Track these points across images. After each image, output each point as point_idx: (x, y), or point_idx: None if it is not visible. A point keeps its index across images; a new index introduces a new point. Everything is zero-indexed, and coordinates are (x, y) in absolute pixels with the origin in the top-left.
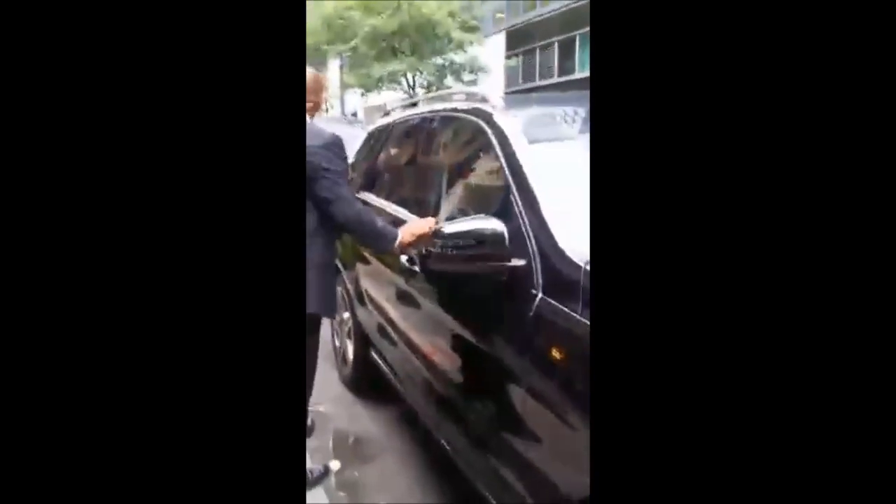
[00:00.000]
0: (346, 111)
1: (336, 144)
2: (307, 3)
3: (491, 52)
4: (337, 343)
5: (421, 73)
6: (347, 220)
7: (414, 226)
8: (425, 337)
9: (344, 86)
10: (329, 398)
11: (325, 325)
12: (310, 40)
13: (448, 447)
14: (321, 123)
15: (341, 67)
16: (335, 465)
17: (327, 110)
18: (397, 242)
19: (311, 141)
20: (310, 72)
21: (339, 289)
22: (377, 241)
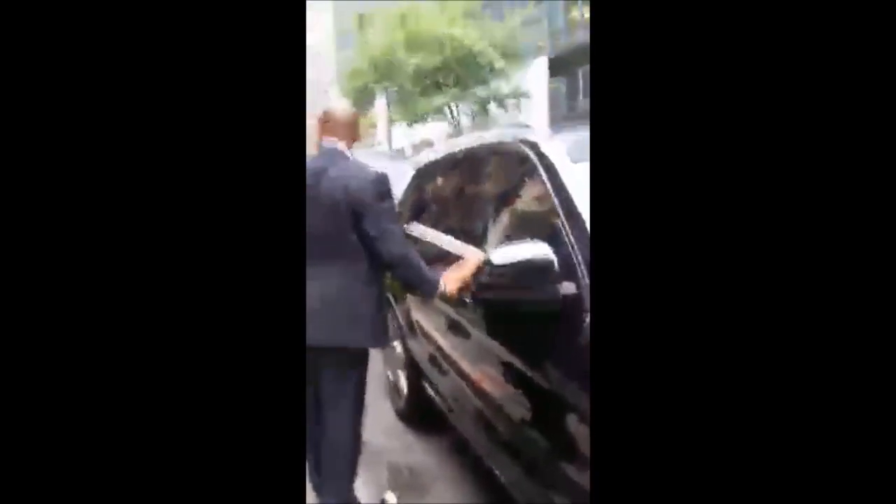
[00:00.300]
0: (392, 146)
1: (382, 181)
2: (354, 37)
3: (534, 77)
4: (389, 374)
5: (464, 103)
6: (393, 259)
7: (458, 274)
8: (476, 366)
9: (391, 122)
10: (382, 430)
11: (377, 357)
12: (358, 81)
13: (502, 477)
14: (370, 158)
15: (388, 104)
16: (391, 498)
17: (373, 146)
18: (439, 291)
19: (356, 176)
20: (346, 106)
21: (391, 320)
22: (421, 286)
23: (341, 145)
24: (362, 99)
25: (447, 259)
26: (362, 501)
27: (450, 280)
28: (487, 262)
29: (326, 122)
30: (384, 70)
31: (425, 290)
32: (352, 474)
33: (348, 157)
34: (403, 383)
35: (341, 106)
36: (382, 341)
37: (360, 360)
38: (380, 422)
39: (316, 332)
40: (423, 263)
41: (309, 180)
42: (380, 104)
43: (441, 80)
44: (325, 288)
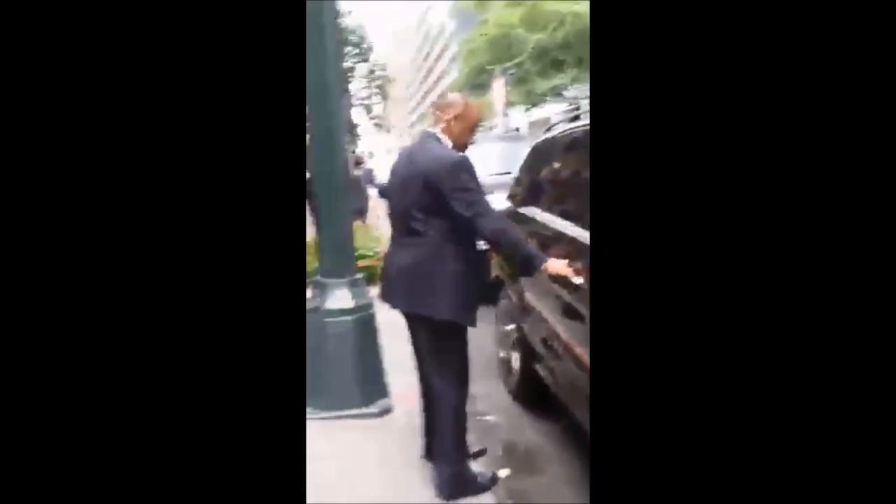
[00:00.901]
0: (509, 127)
1: (461, 165)
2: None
3: None
4: (502, 354)
5: (585, 83)
6: (492, 234)
7: (560, 265)
8: (589, 350)
9: (508, 103)
10: (496, 409)
11: (489, 336)
12: (474, 61)
13: None
14: (485, 141)
15: (506, 85)
16: (504, 473)
17: (491, 128)
18: (542, 268)
19: (440, 159)
20: (457, 97)
21: (504, 301)
22: (523, 261)
23: (438, 131)
24: (480, 80)
25: (563, 242)
26: (476, 473)
27: (553, 266)
28: None
29: (435, 110)
30: (503, 50)
31: (528, 266)
32: (459, 444)
33: (438, 141)
34: (516, 363)
35: (451, 96)
36: (459, 315)
37: (452, 333)
38: (494, 400)
39: (395, 300)
40: (523, 239)
41: (399, 161)
42: (497, 85)
43: (562, 59)
44: (405, 260)
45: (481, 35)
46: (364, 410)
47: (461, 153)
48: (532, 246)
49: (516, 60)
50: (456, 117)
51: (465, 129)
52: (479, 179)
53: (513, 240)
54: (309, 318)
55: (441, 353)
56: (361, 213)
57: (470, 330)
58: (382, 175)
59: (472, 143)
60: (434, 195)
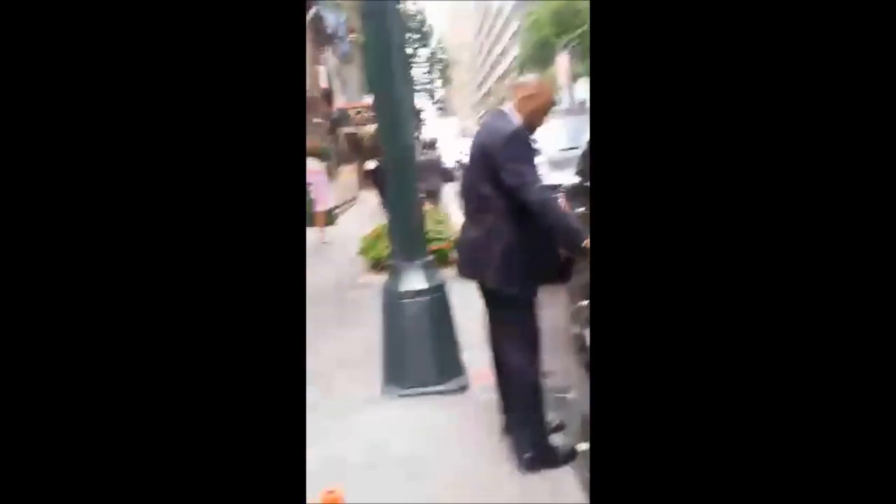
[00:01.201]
0: (574, 100)
1: (514, 139)
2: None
3: None
4: (575, 331)
5: None
6: (533, 204)
7: None
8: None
9: (573, 76)
10: (574, 384)
11: (562, 312)
12: (538, 35)
13: None
14: (553, 116)
15: (570, 58)
16: (583, 446)
17: (556, 103)
18: (584, 244)
19: (496, 132)
20: (531, 78)
21: (577, 277)
22: (565, 235)
23: (508, 108)
24: (543, 54)
25: None
26: (556, 446)
27: None
28: None
29: (509, 88)
30: (567, 21)
31: (569, 238)
32: (534, 416)
33: (505, 118)
34: (588, 340)
35: (527, 77)
36: (507, 284)
37: (514, 304)
38: (571, 376)
39: (462, 269)
40: (566, 213)
41: (473, 140)
42: (561, 59)
43: None
44: (472, 233)
45: None
46: (441, 387)
47: (520, 126)
48: (574, 218)
49: (579, 31)
50: (529, 97)
51: (537, 109)
52: (547, 155)
53: (556, 212)
54: (385, 299)
55: (506, 324)
56: (435, 195)
57: (544, 306)
58: (448, 160)
59: (542, 125)
60: (491, 169)
